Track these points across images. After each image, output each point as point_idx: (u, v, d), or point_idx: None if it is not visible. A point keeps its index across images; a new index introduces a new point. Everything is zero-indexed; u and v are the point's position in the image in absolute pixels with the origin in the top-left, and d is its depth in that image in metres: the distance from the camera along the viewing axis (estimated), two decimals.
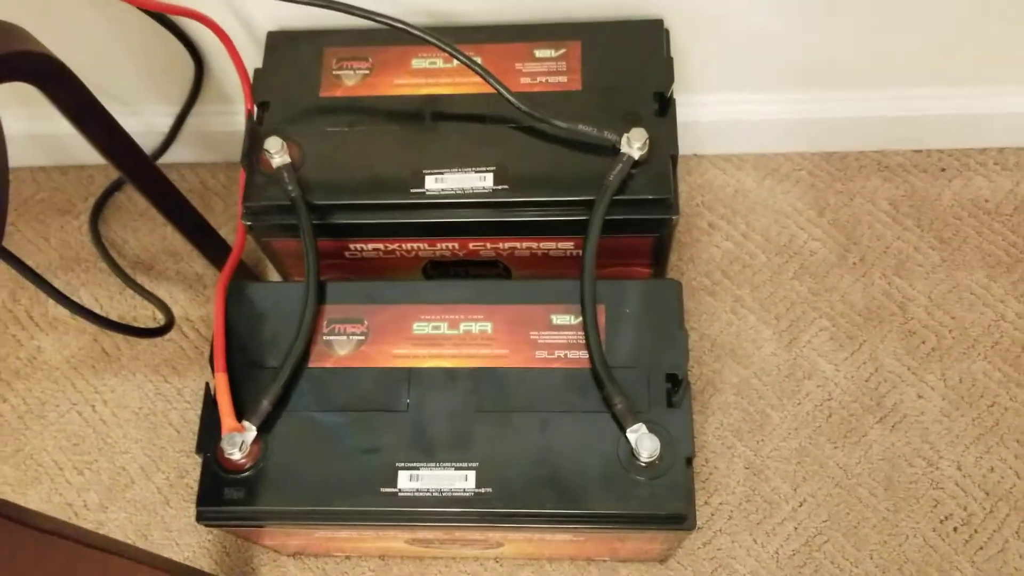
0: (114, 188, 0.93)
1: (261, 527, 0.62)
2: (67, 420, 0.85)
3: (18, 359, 0.88)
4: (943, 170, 0.89)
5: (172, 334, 0.87)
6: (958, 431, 0.80)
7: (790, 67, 0.81)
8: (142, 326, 0.87)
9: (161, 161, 0.92)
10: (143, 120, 0.88)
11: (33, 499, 0.83)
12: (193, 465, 0.83)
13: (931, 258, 0.86)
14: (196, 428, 0.83)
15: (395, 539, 0.67)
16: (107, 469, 0.83)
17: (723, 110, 0.86)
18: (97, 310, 0.88)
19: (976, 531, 0.76)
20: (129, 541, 0.80)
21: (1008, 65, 0.81)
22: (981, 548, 0.76)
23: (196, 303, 0.88)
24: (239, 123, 0.87)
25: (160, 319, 0.86)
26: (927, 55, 0.80)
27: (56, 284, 0.82)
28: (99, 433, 0.84)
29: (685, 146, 0.89)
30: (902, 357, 0.82)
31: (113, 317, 0.87)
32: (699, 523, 0.78)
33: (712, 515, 0.78)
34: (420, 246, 0.72)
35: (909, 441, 0.80)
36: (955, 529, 0.77)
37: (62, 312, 0.89)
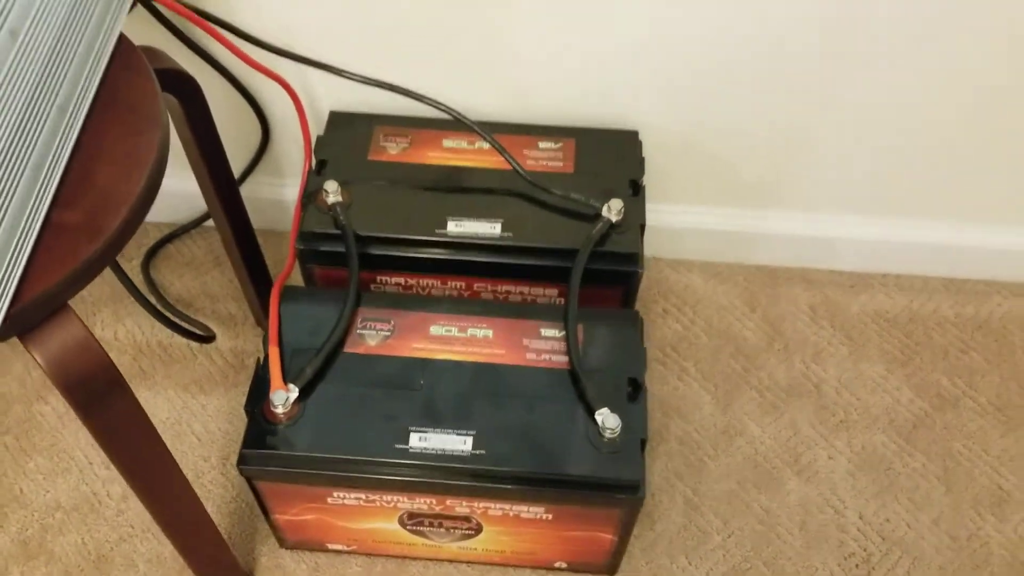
0: (165, 240, 1.09)
1: (291, 473, 0.75)
2: None
3: None
4: (852, 286, 1.10)
5: (202, 359, 1.01)
6: (860, 487, 0.95)
7: (733, 188, 1.03)
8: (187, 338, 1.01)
9: (209, 223, 1.10)
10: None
11: (61, 487, 0.93)
12: (208, 469, 0.95)
13: (841, 351, 1.04)
14: (215, 439, 0.97)
15: (395, 510, 0.80)
16: None
17: (677, 219, 1.06)
18: (138, 336, 1.03)
19: (874, 568, 0.91)
20: (145, 528, 0.91)
21: (905, 201, 1.03)
22: None
23: (227, 337, 1.03)
24: (286, 195, 1.06)
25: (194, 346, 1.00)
26: (841, 187, 1.02)
27: (104, 312, 0.98)
28: None
29: (645, 249, 1.09)
30: (816, 426, 0.99)
31: (152, 344, 1.02)
32: (644, 545, 0.91)
33: (655, 539, 0.92)
34: (435, 283, 0.89)
35: (820, 492, 0.95)
36: (856, 566, 0.91)
37: (107, 333, 1.03)
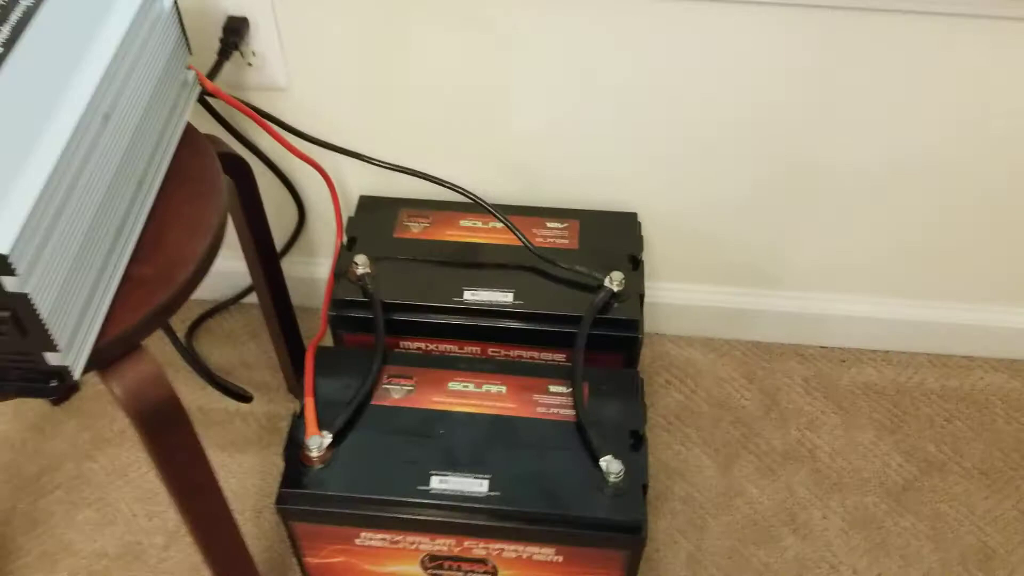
0: (206, 315, 1.19)
1: (323, 513, 0.83)
2: (144, 479, 1.05)
3: (111, 431, 1.09)
4: (843, 361, 1.18)
5: (238, 422, 1.09)
6: (853, 544, 1.01)
7: (729, 267, 1.12)
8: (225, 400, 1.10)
9: (245, 300, 1.20)
10: (238, 263, 1.16)
11: (108, 536, 1.01)
12: (243, 521, 1.02)
13: (833, 420, 1.12)
14: (249, 494, 1.04)
15: (417, 552, 0.87)
16: (173, 519, 1.02)
17: (677, 297, 1.16)
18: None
19: None
20: (182, 573, 0.98)
21: (892, 282, 1.12)
22: None
23: (261, 402, 1.11)
24: (318, 272, 1.16)
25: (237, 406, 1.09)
26: (831, 268, 1.11)
27: None
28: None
29: (647, 325, 1.18)
30: (811, 488, 1.06)
31: (192, 408, 1.11)
32: None
33: None
34: (453, 348, 0.98)
35: (815, 549, 1.01)
36: None
37: None
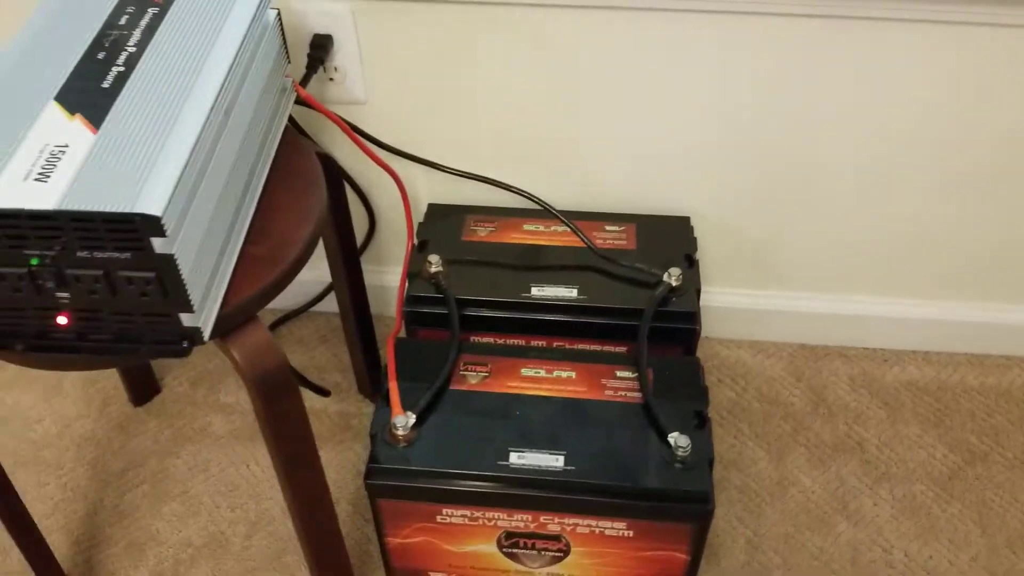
0: (278, 323, 1.25)
1: (408, 488, 0.88)
2: (225, 474, 1.11)
3: (192, 429, 1.15)
4: (885, 360, 1.23)
5: (312, 420, 1.15)
6: (903, 530, 1.05)
7: (777, 271, 1.18)
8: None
9: (314, 308, 1.27)
10: (307, 272, 1.22)
11: (192, 526, 1.06)
12: None
13: (879, 414, 1.16)
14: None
15: (495, 529, 0.92)
16: (254, 510, 1.07)
17: (725, 300, 1.21)
18: None
19: None
20: (268, 561, 1.03)
21: (933, 284, 1.18)
22: None
23: (334, 402, 1.17)
24: (386, 280, 1.23)
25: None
26: (874, 271, 1.17)
27: (228, 382, 1.14)
28: (250, 484, 1.10)
29: None
30: (861, 477, 1.10)
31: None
32: None
33: (721, 573, 1.02)
34: (520, 342, 1.04)
35: (868, 535, 1.05)
36: None
37: (230, 398, 1.18)
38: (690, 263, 1.05)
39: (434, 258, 1.03)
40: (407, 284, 1.03)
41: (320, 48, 0.98)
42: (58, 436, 1.15)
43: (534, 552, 0.95)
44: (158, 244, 0.61)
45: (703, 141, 1.06)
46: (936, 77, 0.97)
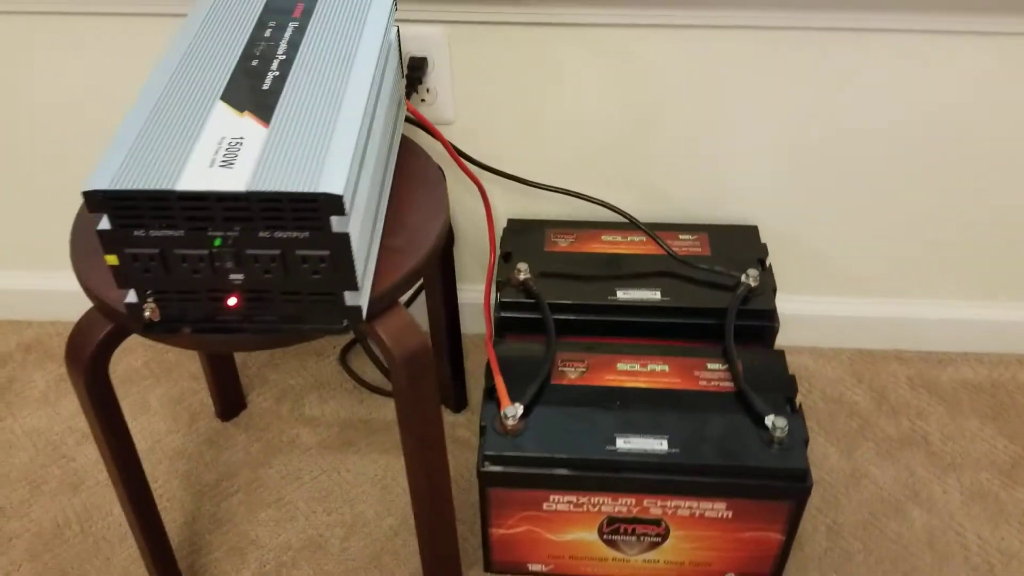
0: (356, 340, 1.30)
1: (521, 475, 0.92)
2: (317, 482, 1.14)
3: (280, 441, 1.19)
4: (939, 362, 1.28)
5: (396, 429, 1.19)
6: (974, 515, 1.10)
7: (835, 278, 1.24)
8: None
9: None
10: None
11: (290, 531, 1.09)
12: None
13: (939, 410, 1.22)
14: None
15: (599, 515, 0.96)
16: (349, 513, 1.11)
17: (786, 308, 1.27)
18: (342, 414, 1.21)
19: None
20: (368, 561, 1.06)
21: (983, 285, 1.24)
22: None
23: None
24: (464, 298, 1.28)
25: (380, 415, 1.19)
26: (933, 276, 1.23)
27: (311, 397, 1.18)
28: (343, 490, 1.13)
29: None
30: (928, 468, 1.15)
31: (355, 419, 1.21)
32: (797, 565, 1.05)
33: (805, 560, 1.06)
34: (609, 344, 1.09)
35: (941, 520, 1.10)
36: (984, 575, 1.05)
37: (315, 411, 1.22)
38: (763, 266, 1.11)
39: (523, 266, 1.08)
40: (498, 292, 1.08)
41: (417, 69, 1.05)
42: (150, 451, 1.19)
43: (633, 538, 0.99)
44: (335, 223, 0.66)
45: (769, 156, 1.12)
46: (969, 85, 1.05)
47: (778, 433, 0.92)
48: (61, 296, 1.33)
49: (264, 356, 1.30)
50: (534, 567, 1.04)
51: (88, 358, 0.77)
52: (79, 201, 1.21)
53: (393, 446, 1.18)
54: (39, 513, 1.12)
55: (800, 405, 0.96)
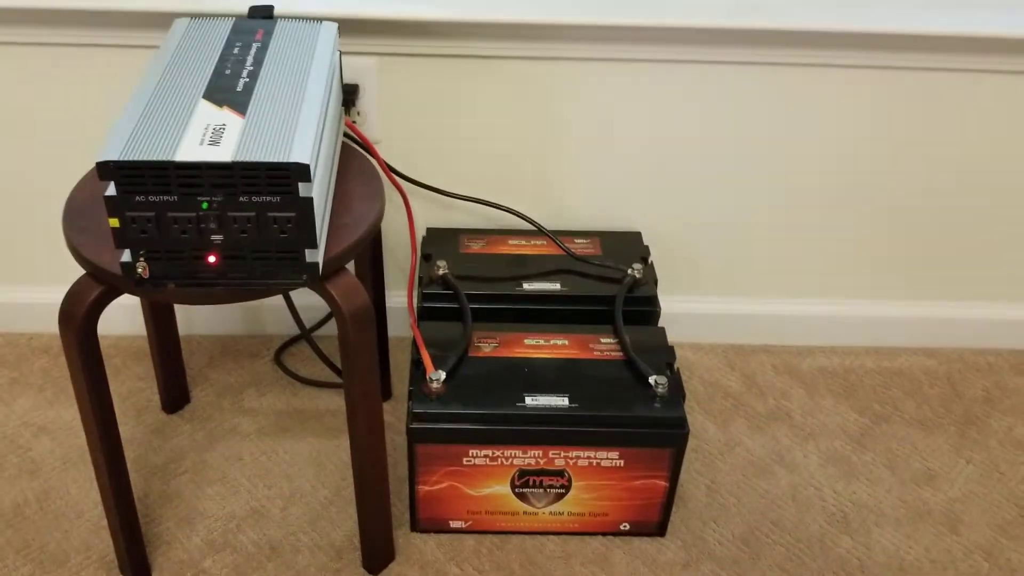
0: (288, 343, 1.44)
1: (444, 430, 1.07)
2: (258, 462, 1.27)
3: (222, 430, 1.31)
4: (799, 353, 1.50)
5: (327, 418, 1.33)
6: (830, 474, 1.30)
7: (711, 280, 1.45)
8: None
9: (316, 333, 1.46)
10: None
11: (234, 503, 1.21)
12: (346, 486, 1.24)
13: (800, 392, 1.42)
14: (348, 468, 1.27)
15: (511, 468, 1.11)
16: (287, 487, 1.24)
17: (667, 306, 1.47)
18: (279, 405, 1.35)
19: (851, 522, 1.24)
20: (303, 526, 1.19)
21: (833, 286, 1.46)
22: None
23: None
24: (391, 302, 1.43)
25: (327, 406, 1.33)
26: (795, 279, 1.45)
27: (250, 391, 1.32)
28: (281, 468, 1.26)
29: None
30: (791, 438, 1.35)
31: (290, 410, 1.34)
32: (682, 517, 1.22)
33: (688, 514, 1.23)
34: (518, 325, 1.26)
35: (802, 478, 1.29)
36: (838, 521, 1.24)
37: (253, 404, 1.34)
38: (645, 263, 1.30)
39: (442, 263, 1.25)
40: (419, 286, 1.25)
41: (350, 94, 1.22)
42: None
43: (540, 490, 1.15)
44: (302, 188, 0.82)
45: (649, 172, 1.33)
46: (860, 118, 1.28)
47: (660, 389, 1.10)
48: (8, 308, 1.43)
49: (205, 357, 1.43)
50: (455, 523, 1.19)
51: (81, 317, 0.90)
52: (37, 218, 1.33)
53: (325, 431, 1.32)
54: None
55: (678, 369, 1.15)
